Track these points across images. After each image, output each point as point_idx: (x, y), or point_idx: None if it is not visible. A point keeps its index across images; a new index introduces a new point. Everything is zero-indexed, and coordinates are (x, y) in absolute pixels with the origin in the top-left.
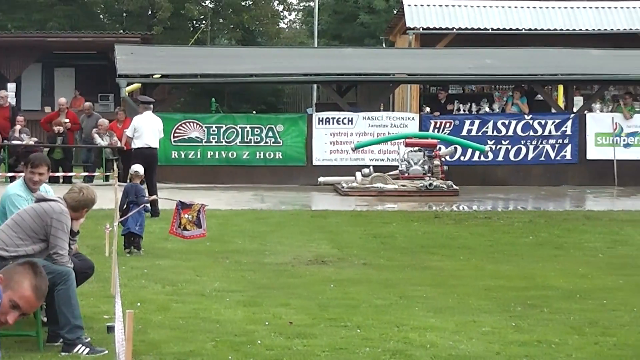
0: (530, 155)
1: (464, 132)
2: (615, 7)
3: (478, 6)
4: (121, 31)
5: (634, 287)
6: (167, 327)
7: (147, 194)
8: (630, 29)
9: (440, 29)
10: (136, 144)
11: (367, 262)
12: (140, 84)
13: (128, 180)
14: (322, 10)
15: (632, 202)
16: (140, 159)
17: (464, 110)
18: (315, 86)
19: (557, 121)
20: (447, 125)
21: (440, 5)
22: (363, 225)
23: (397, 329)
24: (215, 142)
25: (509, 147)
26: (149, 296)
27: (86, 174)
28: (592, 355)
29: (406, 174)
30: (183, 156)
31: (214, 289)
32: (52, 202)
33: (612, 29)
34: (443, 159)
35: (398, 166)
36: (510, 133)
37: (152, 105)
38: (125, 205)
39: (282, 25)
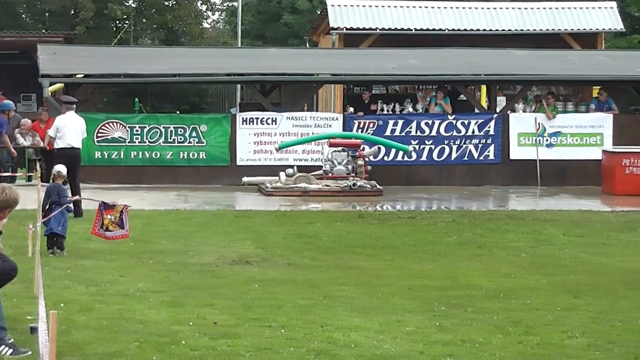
0: (454, 155)
1: (388, 132)
2: (538, 8)
3: (401, 6)
4: (44, 31)
5: (556, 286)
6: (91, 328)
7: (70, 195)
8: (553, 30)
9: (364, 29)
10: (59, 144)
11: (291, 262)
12: (63, 84)
13: (51, 181)
14: (245, 11)
15: (555, 201)
16: (63, 159)
17: (388, 111)
18: (239, 86)
19: (480, 121)
20: (371, 125)
21: (364, 6)
22: (287, 225)
23: (321, 328)
24: (139, 142)
25: (433, 147)
26: (73, 297)
27: (8, 174)
28: (516, 354)
29: (330, 174)
30: (106, 156)
31: (138, 290)
32: None
33: (534, 30)
34: (367, 159)
35: (322, 166)
36: (433, 133)
37: (74, 105)
38: (47, 206)
39: (205, 25)
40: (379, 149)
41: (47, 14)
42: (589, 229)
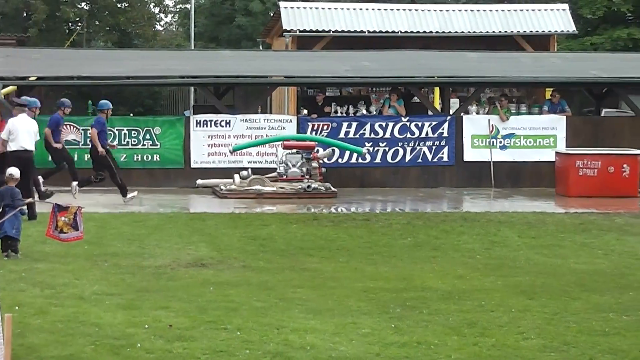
0: (408, 157)
1: (342, 135)
2: (490, 10)
3: (354, 9)
4: None
5: (511, 288)
6: (46, 331)
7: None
8: (505, 32)
9: (317, 31)
10: (11, 146)
11: (246, 265)
12: (16, 87)
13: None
14: (198, 13)
15: (509, 203)
16: (16, 162)
17: (342, 113)
18: (192, 89)
19: (434, 123)
20: (325, 127)
21: (317, 8)
22: (242, 228)
23: (277, 331)
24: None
25: (387, 149)
26: (28, 300)
27: None
28: (471, 355)
29: (284, 176)
30: None
31: (93, 292)
32: None
33: (487, 32)
34: (321, 161)
35: (276, 168)
36: (387, 135)
37: (26, 108)
38: (1, 209)
39: (158, 27)
40: (333, 151)
41: None
42: (543, 230)
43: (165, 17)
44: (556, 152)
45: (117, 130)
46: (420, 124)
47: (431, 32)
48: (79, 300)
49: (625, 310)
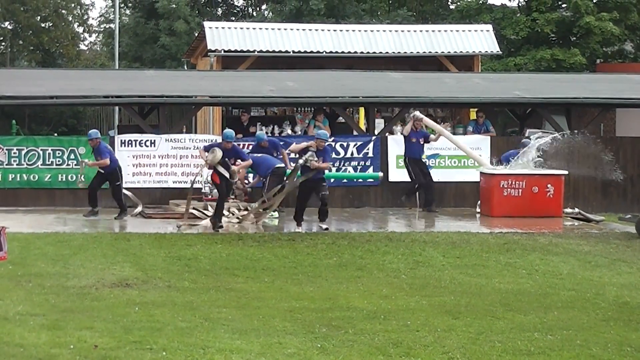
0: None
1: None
2: (415, 30)
3: (279, 29)
4: None
5: (436, 307)
6: None
7: None
8: (429, 52)
9: (242, 51)
10: None
11: (171, 285)
12: None
13: None
14: (122, 33)
15: (434, 223)
16: None
17: (267, 133)
18: (117, 108)
19: (359, 143)
20: (250, 147)
21: (242, 28)
22: (166, 248)
23: (202, 351)
24: (17, 164)
25: None
26: None
27: None
28: None
29: (209, 196)
30: None
31: (17, 313)
32: None
33: (411, 52)
34: (247, 181)
35: (201, 189)
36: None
37: None
38: None
39: (82, 47)
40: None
41: None
42: (468, 250)
43: (89, 36)
44: (481, 172)
45: (41, 150)
46: (345, 144)
47: (355, 52)
48: (2, 321)
49: (549, 329)
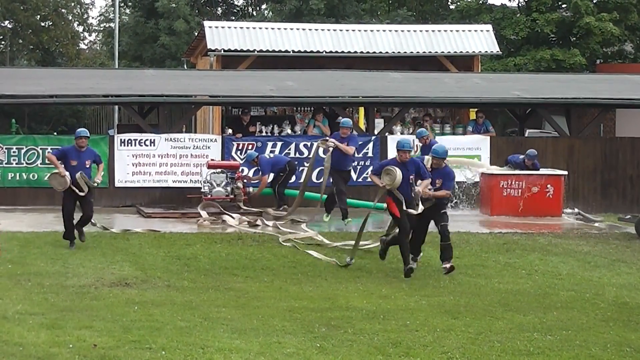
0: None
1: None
2: (415, 30)
3: (279, 28)
4: None
5: (435, 307)
6: None
7: None
8: (429, 52)
9: (242, 50)
10: None
11: (171, 284)
12: None
13: None
14: (122, 32)
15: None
16: None
17: (266, 132)
18: (116, 107)
19: (358, 143)
20: (250, 147)
21: (242, 28)
22: (166, 247)
23: (201, 350)
24: (16, 163)
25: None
26: None
27: None
28: None
29: (209, 196)
30: None
31: (16, 312)
32: None
33: (411, 52)
34: (245, 181)
35: (200, 188)
36: (312, 155)
37: None
38: None
39: (82, 46)
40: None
41: None
42: (467, 250)
43: (89, 35)
44: (481, 173)
45: (40, 149)
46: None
47: (355, 52)
48: (1, 320)
49: (548, 329)
